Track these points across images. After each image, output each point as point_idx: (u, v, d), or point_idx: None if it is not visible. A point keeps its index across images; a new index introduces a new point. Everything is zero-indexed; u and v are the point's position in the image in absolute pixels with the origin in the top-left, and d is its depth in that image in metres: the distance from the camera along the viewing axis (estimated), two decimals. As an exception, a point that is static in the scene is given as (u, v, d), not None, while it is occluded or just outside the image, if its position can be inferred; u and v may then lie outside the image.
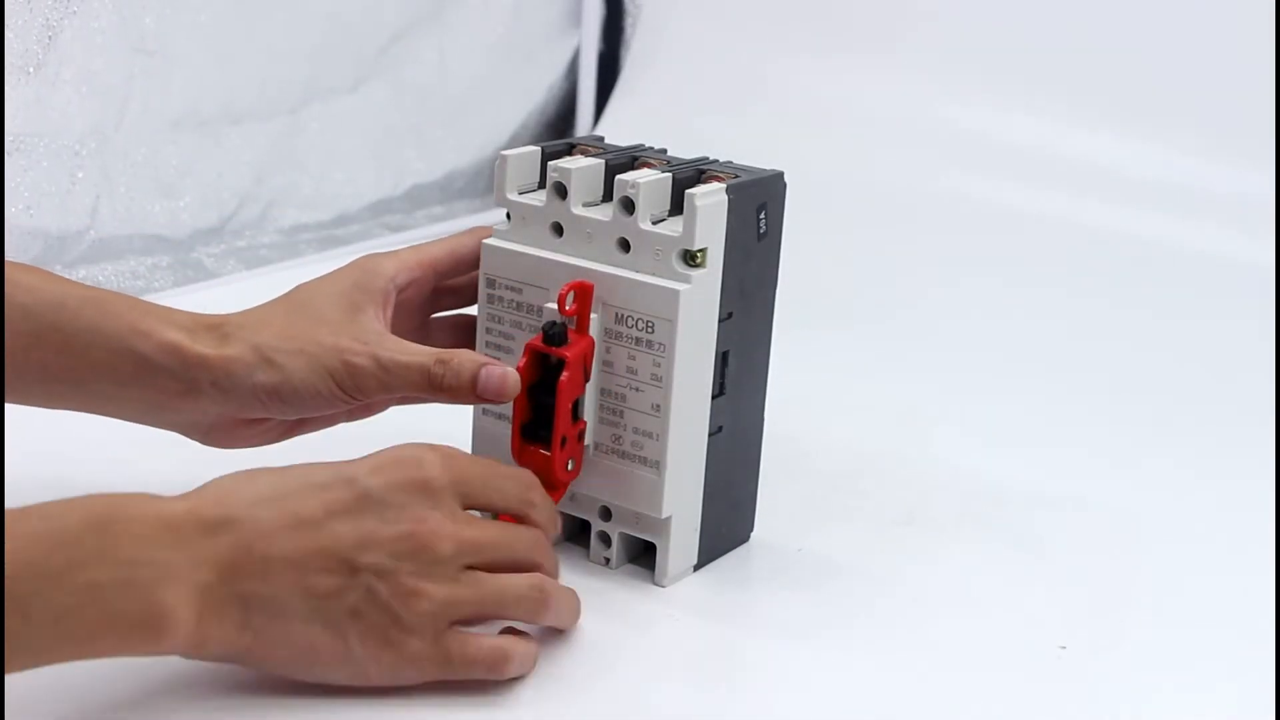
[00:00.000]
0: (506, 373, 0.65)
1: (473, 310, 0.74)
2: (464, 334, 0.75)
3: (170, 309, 0.68)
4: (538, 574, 0.62)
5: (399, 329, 0.71)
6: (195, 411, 0.67)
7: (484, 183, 1.45)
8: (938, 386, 1.01)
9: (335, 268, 0.71)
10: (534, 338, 0.66)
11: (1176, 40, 1.32)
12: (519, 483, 0.63)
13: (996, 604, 0.72)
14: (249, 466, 0.59)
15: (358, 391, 0.66)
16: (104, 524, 0.52)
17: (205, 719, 0.58)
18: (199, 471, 0.59)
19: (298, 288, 0.70)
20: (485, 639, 0.60)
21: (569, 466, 0.68)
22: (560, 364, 0.66)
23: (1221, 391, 1.02)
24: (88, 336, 0.65)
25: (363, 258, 0.71)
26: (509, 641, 0.61)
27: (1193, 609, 0.72)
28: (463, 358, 0.65)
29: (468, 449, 0.73)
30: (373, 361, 0.65)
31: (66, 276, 1.07)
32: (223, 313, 0.68)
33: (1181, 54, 1.32)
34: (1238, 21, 1.30)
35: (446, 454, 0.60)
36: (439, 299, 0.74)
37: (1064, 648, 0.68)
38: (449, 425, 0.72)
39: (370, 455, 0.60)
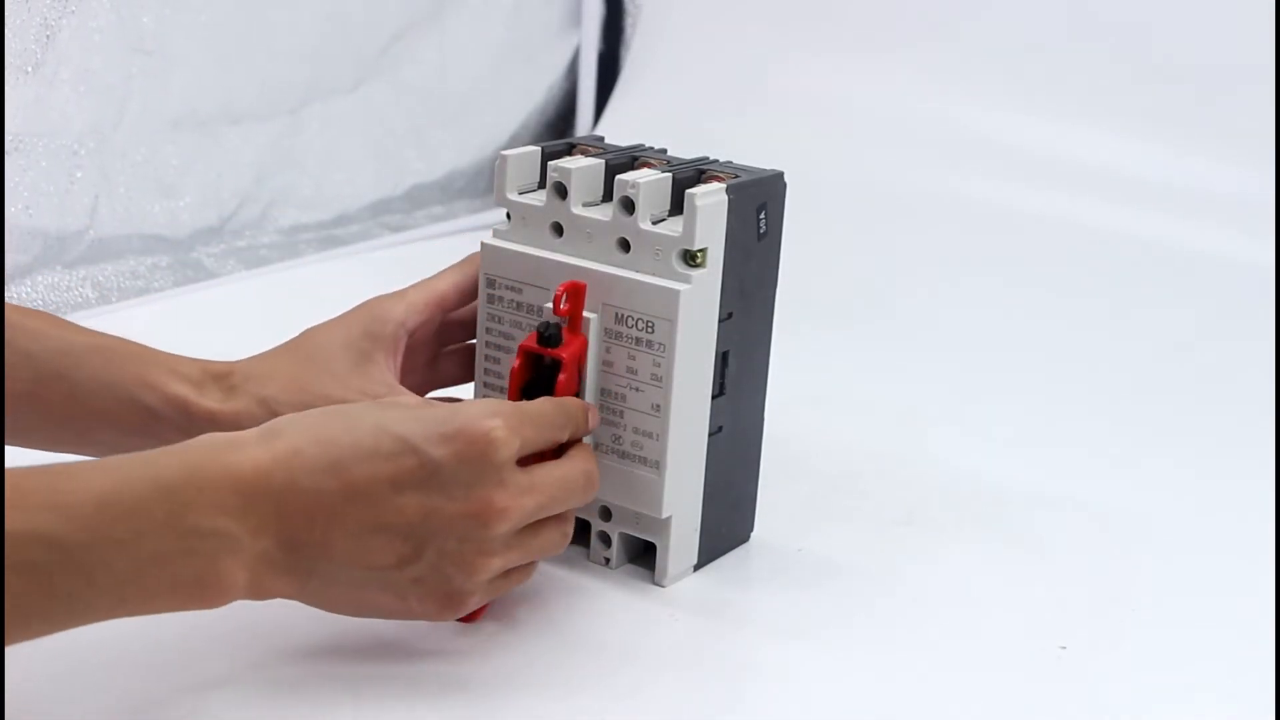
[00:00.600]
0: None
1: None
2: (473, 366, 0.75)
3: (178, 358, 0.68)
4: (565, 521, 0.64)
5: (409, 366, 0.72)
6: None
7: (484, 183, 1.45)
8: (938, 386, 1.01)
9: (335, 266, 0.71)
10: (528, 338, 0.66)
11: (1177, 40, 1.32)
12: (567, 421, 0.63)
13: (996, 604, 0.72)
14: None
15: None
16: (173, 491, 0.52)
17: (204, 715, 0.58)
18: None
19: (306, 334, 0.70)
20: (527, 571, 0.63)
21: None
22: (556, 364, 0.66)
23: (1222, 391, 1.02)
24: (92, 385, 0.65)
25: (371, 301, 0.71)
26: (531, 570, 0.64)
27: (1193, 609, 0.72)
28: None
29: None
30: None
31: (66, 276, 1.08)
32: (229, 360, 0.68)
33: (1182, 54, 1.32)
34: (1238, 21, 1.30)
35: (511, 420, 0.59)
36: (447, 331, 0.74)
37: (1064, 648, 0.68)
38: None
39: (438, 414, 0.58)
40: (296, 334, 0.71)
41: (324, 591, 0.57)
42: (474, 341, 0.74)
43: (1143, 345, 1.10)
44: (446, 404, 0.60)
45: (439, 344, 0.74)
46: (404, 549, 0.57)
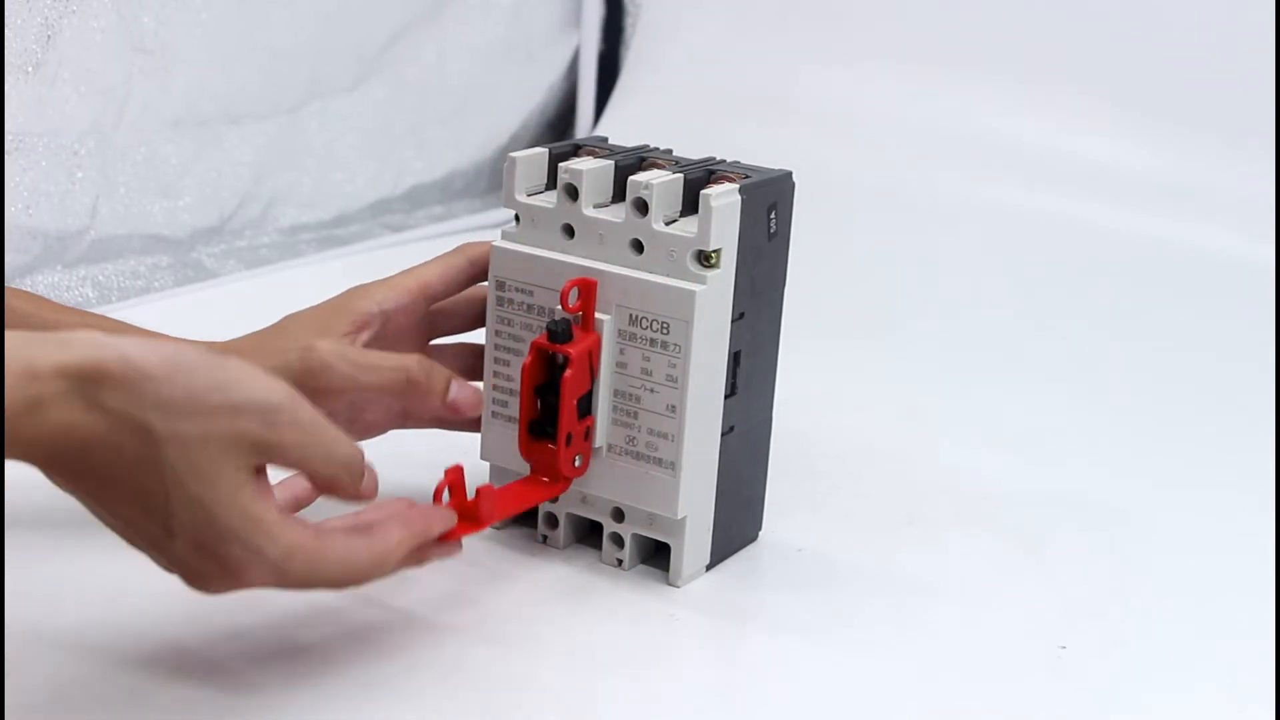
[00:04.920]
0: (478, 391, 0.67)
1: (472, 337, 0.74)
2: (468, 362, 0.75)
3: (164, 337, 0.68)
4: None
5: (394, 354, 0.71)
6: None
7: (484, 183, 1.45)
8: (939, 386, 1.01)
9: (335, 266, 0.71)
10: (539, 335, 0.66)
11: (1177, 40, 1.32)
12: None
13: (996, 604, 0.72)
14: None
15: (320, 390, 0.63)
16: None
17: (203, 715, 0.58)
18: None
19: (285, 319, 0.71)
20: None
21: (576, 463, 0.68)
22: (566, 361, 0.66)
23: (1222, 391, 1.02)
24: None
25: (355, 288, 0.71)
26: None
27: (1193, 609, 0.72)
28: (440, 367, 0.67)
29: (472, 447, 0.73)
30: (340, 358, 0.65)
31: (66, 276, 1.08)
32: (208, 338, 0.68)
33: (1182, 54, 1.32)
34: (1238, 21, 1.30)
35: (284, 572, 0.55)
36: (435, 322, 0.74)
37: (1064, 648, 0.68)
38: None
39: (223, 532, 0.53)
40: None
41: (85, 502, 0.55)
42: (466, 339, 0.75)
43: (1143, 345, 1.10)
44: (254, 525, 0.54)
45: (427, 334, 0.74)
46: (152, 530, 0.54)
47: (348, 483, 0.57)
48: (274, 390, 0.54)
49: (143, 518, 0.53)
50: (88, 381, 0.52)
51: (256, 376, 0.54)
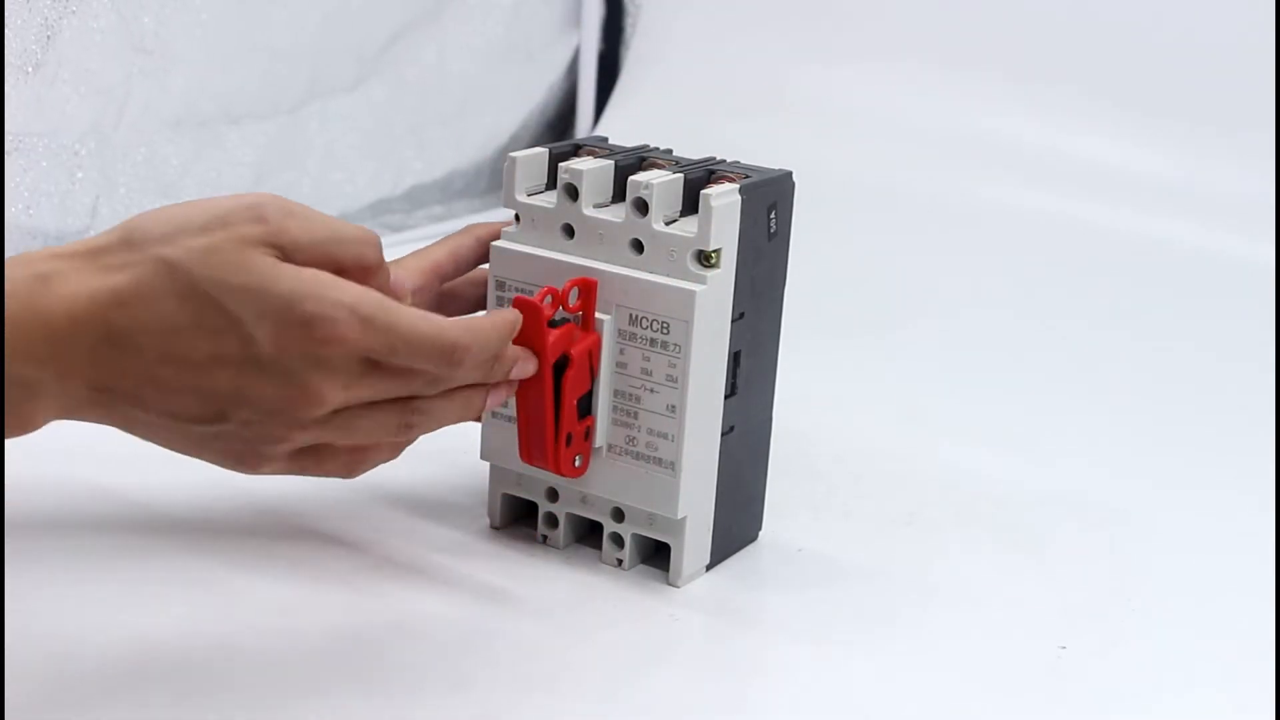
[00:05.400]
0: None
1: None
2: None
3: None
4: (408, 409, 0.60)
5: None
6: None
7: (484, 183, 1.45)
8: (939, 386, 1.01)
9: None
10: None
11: (1178, 40, 1.32)
12: (438, 357, 0.59)
13: (996, 604, 0.72)
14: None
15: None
16: None
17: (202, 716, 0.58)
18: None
19: None
20: (337, 452, 0.60)
21: (576, 463, 0.68)
22: (565, 360, 0.66)
23: (1222, 391, 1.02)
24: None
25: None
26: (360, 456, 0.61)
27: (1193, 609, 0.72)
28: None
29: (475, 445, 0.73)
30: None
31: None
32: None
33: (1182, 54, 1.32)
34: (1238, 21, 1.30)
35: (362, 317, 0.56)
36: (442, 303, 0.74)
37: (1064, 648, 0.68)
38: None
39: (284, 297, 0.55)
40: None
41: (130, 425, 0.58)
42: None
43: (1143, 345, 1.10)
44: (312, 280, 0.56)
45: (441, 314, 0.74)
46: (208, 411, 0.56)
47: (373, 256, 0.59)
48: (249, 195, 0.56)
49: (200, 375, 0.55)
50: (88, 255, 0.54)
51: (224, 198, 0.56)
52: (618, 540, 0.71)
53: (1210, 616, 0.71)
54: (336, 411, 0.58)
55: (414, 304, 0.71)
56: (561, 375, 0.66)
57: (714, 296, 0.67)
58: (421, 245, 0.75)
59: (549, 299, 0.65)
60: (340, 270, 0.58)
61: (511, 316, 0.63)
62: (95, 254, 0.55)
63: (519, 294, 0.67)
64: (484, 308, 0.72)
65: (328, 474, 0.62)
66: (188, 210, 0.56)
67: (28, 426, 0.55)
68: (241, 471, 0.60)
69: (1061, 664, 0.67)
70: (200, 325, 0.55)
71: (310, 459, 0.60)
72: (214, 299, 0.54)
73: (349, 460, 0.62)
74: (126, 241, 0.55)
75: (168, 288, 0.54)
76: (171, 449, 0.59)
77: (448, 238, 0.73)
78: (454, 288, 0.74)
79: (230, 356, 0.55)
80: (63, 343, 0.53)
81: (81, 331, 0.54)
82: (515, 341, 0.64)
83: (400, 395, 0.60)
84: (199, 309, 0.54)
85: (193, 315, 0.54)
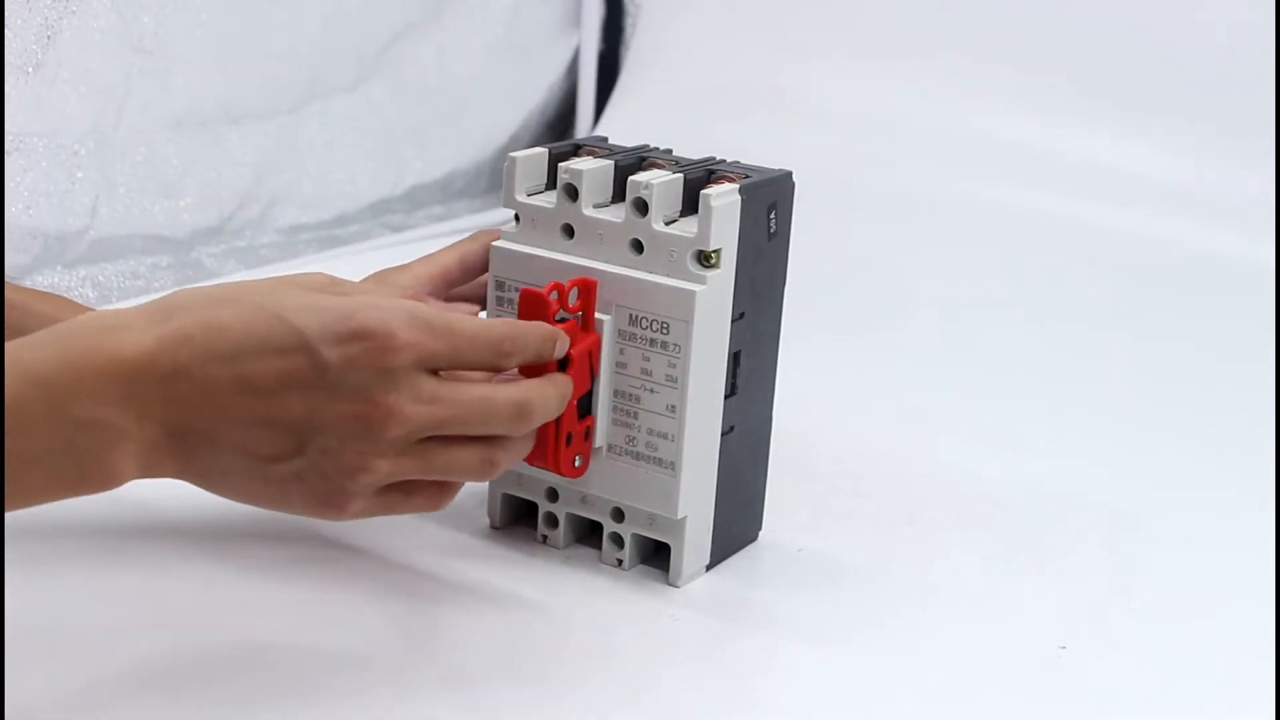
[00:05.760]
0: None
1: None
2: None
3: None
4: (494, 445, 0.60)
5: None
6: None
7: (484, 183, 1.45)
8: (939, 386, 1.01)
9: (335, 266, 0.71)
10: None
11: (1178, 40, 1.32)
12: (507, 347, 0.60)
13: (996, 604, 0.72)
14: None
15: None
16: (51, 384, 0.52)
17: (202, 716, 0.58)
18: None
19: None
20: (423, 486, 0.60)
21: (576, 463, 0.68)
22: (565, 360, 0.66)
23: (1222, 391, 1.02)
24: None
25: (377, 272, 0.72)
26: (445, 492, 0.61)
27: (1193, 609, 0.72)
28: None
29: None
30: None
31: (66, 276, 1.08)
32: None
33: (1182, 54, 1.32)
34: (1238, 21, 1.30)
35: (418, 326, 0.57)
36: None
37: (1064, 648, 0.68)
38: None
39: (343, 307, 0.56)
40: None
41: (208, 475, 0.57)
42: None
43: (1143, 345, 1.10)
44: (360, 295, 0.58)
45: None
46: (287, 444, 0.56)
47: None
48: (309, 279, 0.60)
49: (272, 402, 0.55)
50: (149, 310, 0.55)
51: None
52: (618, 540, 0.71)
53: (1210, 616, 0.71)
54: (418, 442, 0.58)
55: None
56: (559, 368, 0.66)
57: (714, 296, 0.67)
58: (421, 245, 0.75)
59: (555, 295, 0.65)
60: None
61: (551, 330, 0.63)
62: (155, 309, 0.56)
63: (525, 287, 0.66)
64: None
65: (415, 509, 0.61)
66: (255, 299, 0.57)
67: (111, 478, 0.54)
68: (330, 516, 0.58)
69: (1061, 664, 0.67)
70: (267, 345, 0.55)
71: (397, 494, 0.60)
72: (277, 316, 0.55)
73: (434, 493, 0.61)
74: (186, 295, 0.57)
75: (230, 315, 0.55)
76: (255, 501, 0.58)
77: (456, 244, 0.73)
78: (461, 293, 0.74)
79: (299, 376, 0.55)
80: (135, 383, 0.53)
81: (152, 369, 0.53)
82: None
83: (474, 428, 0.59)
84: (266, 329, 0.55)
85: (259, 336, 0.55)
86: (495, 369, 0.61)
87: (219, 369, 0.54)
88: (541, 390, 0.62)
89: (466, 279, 0.73)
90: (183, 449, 0.55)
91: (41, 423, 0.51)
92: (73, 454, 0.52)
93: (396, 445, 0.57)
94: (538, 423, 0.62)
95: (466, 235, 0.74)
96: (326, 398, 0.55)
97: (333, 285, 0.60)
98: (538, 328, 0.62)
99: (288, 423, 0.55)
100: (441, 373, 0.58)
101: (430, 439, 0.58)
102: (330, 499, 0.57)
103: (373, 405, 0.56)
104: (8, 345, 0.52)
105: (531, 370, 0.63)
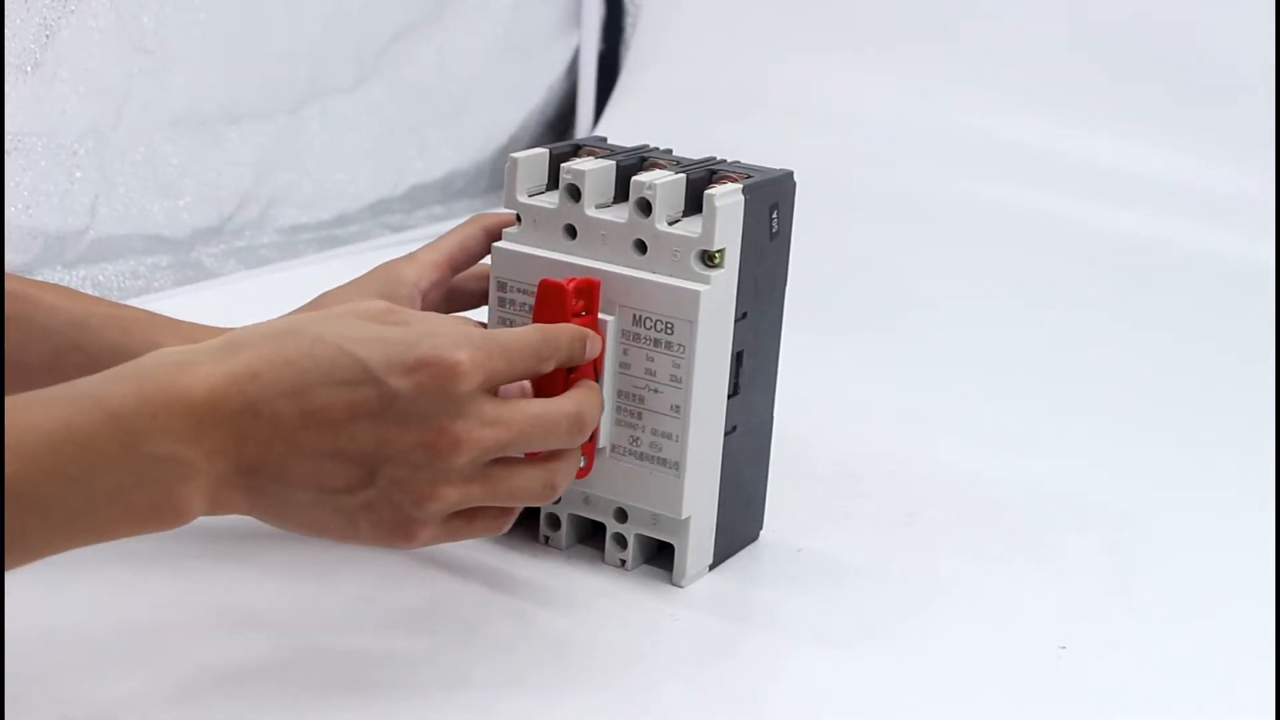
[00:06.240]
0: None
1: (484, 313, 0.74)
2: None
3: (192, 325, 0.69)
4: (553, 466, 0.61)
5: None
6: None
7: (484, 183, 1.45)
8: (940, 386, 1.01)
9: (335, 266, 0.71)
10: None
11: (1178, 41, 1.32)
12: (553, 349, 0.62)
13: (996, 604, 0.72)
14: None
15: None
16: (125, 420, 0.52)
17: (203, 717, 0.58)
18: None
19: (320, 297, 0.71)
20: (486, 521, 0.61)
21: (581, 463, 0.68)
22: None
23: (1222, 391, 1.03)
24: (109, 356, 0.65)
25: (383, 266, 0.72)
26: (507, 517, 0.62)
27: (1193, 609, 0.72)
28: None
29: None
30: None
31: (66, 276, 1.08)
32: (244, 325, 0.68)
33: (1183, 54, 1.32)
34: (1238, 22, 1.30)
35: (481, 350, 0.58)
36: (454, 296, 0.75)
37: (1064, 648, 0.68)
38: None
39: (405, 338, 0.57)
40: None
41: (277, 509, 0.57)
42: (473, 315, 0.75)
43: (1143, 345, 1.10)
44: (417, 324, 0.59)
45: (448, 308, 0.75)
46: (357, 474, 0.56)
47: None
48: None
49: (341, 433, 0.55)
50: (219, 346, 0.55)
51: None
52: (621, 541, 0.71)
53: (1210, 616, 0.71)
54: (483, 466, 0.58)
55: (433, 297, 0.73)
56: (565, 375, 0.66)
57: (718, 296, 0.67)
58: (421, 245, 0.75)
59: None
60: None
61: (580, 330, 0.64)
62: (224, 345, 0.56)
63: (545, 278, 0.66)
64: (486, 303, 0.73)
65: (479, 534, 0.61)
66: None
67: (181, 514, 0.54)
68: (399, 544, 0.58)
69: (1061, 664, 0.67)
70: (333, 378, 0.55)
71: (463, 521, 0.60)
72: (341, 348, 0.56)
73: (497, 516, 0.62)
74: (249, 330, 0.58)
75: (296, 349, 0.56)
76: (323, 533, 0.58)
77: (455, 229, 0.74)
78: (458, 283, 0.74)
79: (368, 406, 0.55)
80: (205, 419, 0.53)
81: (222, 406, 0.54)
82: (536, 322, 0.65)
83: (536, 445, 0.60)
84: (331, 362, 0.55)
85: (325, 370, 0.55)
86: (535, 375, 0.62)
87: (286, 404, 0.55)
88: (588, 398, 0.63)
89: (469, 264, 0.74)
90: (252, 485, 0.55)
91: (115, 457, 0.52)
92: (144, 488, 0.52)
93: (464, 472, 0.58)
94: (590, 432, 0.63)
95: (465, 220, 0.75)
96: (395, 427, 0.56)
97: (389, 314, 0.60)
98: (566, 330, 0.63)
99: (357, 454, 0.56)
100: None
101: (494, 463, 0.59)
102: (400, 528, 0.58)
103: (441, 432, 0.56)
104: (90, 380, 0.53)
105: (549, 378, 0.63)
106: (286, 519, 0.58)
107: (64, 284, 1.07)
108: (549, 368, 0.62)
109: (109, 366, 0.64)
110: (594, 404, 0.63)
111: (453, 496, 0.58)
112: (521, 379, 0.61)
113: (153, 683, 0.59)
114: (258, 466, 0.55)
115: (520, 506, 0.62)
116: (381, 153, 1.34)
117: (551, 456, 0.62)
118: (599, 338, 0.65)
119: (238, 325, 0.71)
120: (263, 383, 0.55)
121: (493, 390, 0.59)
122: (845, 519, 0.79)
